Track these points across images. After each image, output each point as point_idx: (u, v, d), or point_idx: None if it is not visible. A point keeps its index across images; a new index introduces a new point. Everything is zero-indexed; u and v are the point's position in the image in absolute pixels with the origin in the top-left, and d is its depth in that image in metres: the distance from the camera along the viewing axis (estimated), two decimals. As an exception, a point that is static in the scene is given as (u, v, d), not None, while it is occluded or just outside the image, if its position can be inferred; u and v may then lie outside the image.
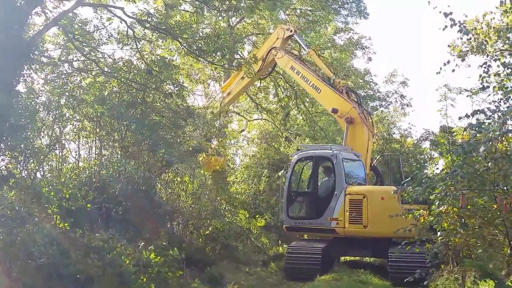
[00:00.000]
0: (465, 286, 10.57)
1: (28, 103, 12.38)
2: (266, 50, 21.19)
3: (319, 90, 19.03)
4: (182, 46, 16.11)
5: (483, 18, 17.04)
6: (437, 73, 10.15)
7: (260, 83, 26.72)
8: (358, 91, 33.07)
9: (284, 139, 29.61)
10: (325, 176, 17.52)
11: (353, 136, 17.86)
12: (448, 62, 10.04)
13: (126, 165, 14.96)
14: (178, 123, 16.47)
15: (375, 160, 20.59)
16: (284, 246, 19.08)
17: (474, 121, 8.85)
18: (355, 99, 18.94)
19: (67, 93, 14.57)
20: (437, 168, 10.94)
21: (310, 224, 16.85)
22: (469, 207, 9.33)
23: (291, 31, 21.17)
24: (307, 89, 20.44)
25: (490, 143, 8.28)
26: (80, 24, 14.49)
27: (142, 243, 11.51)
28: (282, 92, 30.14)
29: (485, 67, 9.77)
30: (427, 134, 30.09)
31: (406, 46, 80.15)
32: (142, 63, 15.76)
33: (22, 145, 11.47)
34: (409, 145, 30.72)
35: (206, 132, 19.69)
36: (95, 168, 14.67)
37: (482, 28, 16.79)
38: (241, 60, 17.70)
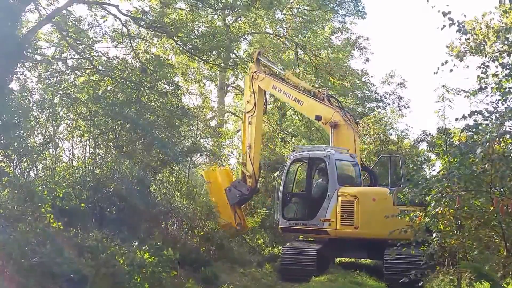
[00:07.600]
0: (461, 288, 10.53)
1: (21, 101, 12.32)
2: (249, 82, 21.29)
3: (302, 102, 19.37)
4: (178, 45, 16.05)
5: (482, 18, 16.98)
6: (434, 73, 10.04)
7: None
8: (355, 92, 33.22)
9: (280, 140, 29.51)
10: (319, 177, 17.47)
11: (339, 139, 17.85)
12: (446, 62, 9.95)
13: (121, 165, 14.88)
14: (173, 123, 16.36)
15: (376, 161, 20.62)
16: (279, 247, 19.01)
17: (471, 122, 8.79)
18: (336, 104, 19.03)
19: (60, 92, 14.49)
20: (434, 170, 10.91)
21: (304, 225, 16.82)
22: (465, 208, 9.27)
23: (255, 52, 22.19)
24: (291, 103, 20.96)
25: (488, 144, 8.21)
26: (74, 22, 14.41)
27: (136, 243, 11.44)
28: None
29: (483, 68, 9.70)
30: (424, 135, 29.99)
31: (404, 47, 79.99)
32: (137, 61, 15.68)
33: (15, 144, 11.40)
34: (406, 146, 30.59)
35: (201, 132, 19.59)
36: (89, 167, 14.61)
37: (481, 28, 16.73)
38: (237, 59, 17.56)
